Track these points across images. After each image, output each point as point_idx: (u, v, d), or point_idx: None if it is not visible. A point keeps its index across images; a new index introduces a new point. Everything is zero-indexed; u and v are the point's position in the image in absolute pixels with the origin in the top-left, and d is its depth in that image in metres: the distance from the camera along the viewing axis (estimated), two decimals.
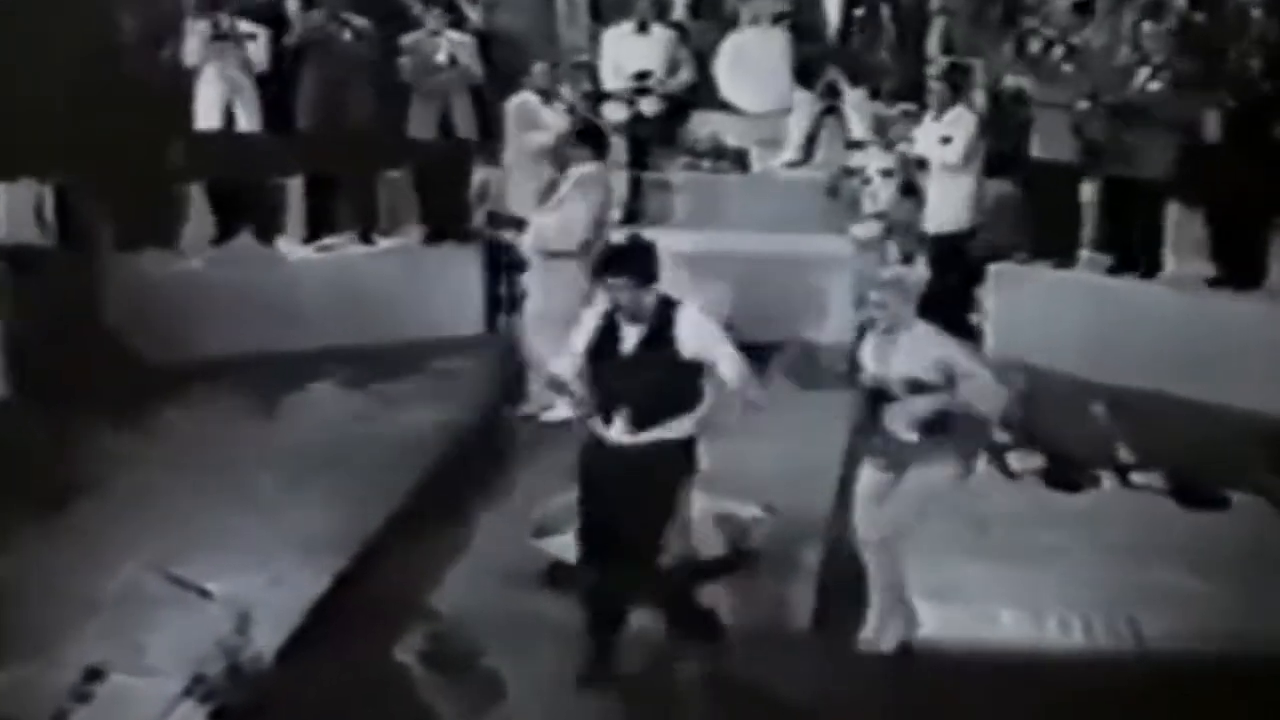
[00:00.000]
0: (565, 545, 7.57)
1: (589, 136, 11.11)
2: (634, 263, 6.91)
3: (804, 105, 13.52)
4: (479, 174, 13.29)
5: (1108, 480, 9.58)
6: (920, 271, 7.10)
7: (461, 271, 12.78)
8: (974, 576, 8.07)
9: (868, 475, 7.23)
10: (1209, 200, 11.53)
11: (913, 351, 6.90)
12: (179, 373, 10.91)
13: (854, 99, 13.27)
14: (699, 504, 7.59)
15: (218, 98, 12.61)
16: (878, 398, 7.09)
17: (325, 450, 9.81)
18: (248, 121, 12.70)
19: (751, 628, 7.60)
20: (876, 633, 7.31)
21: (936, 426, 6.94)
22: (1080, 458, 9.74)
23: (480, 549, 8.49)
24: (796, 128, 13.50)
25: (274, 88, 12.79)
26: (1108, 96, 11.69)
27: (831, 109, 13.51)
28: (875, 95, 13.42)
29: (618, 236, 9.23)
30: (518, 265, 11.35)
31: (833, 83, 13.38)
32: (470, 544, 8.57)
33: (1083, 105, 11.79)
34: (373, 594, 7.94)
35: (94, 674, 6.95)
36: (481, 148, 12.97)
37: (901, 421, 6.98)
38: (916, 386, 6.90)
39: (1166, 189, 11.60)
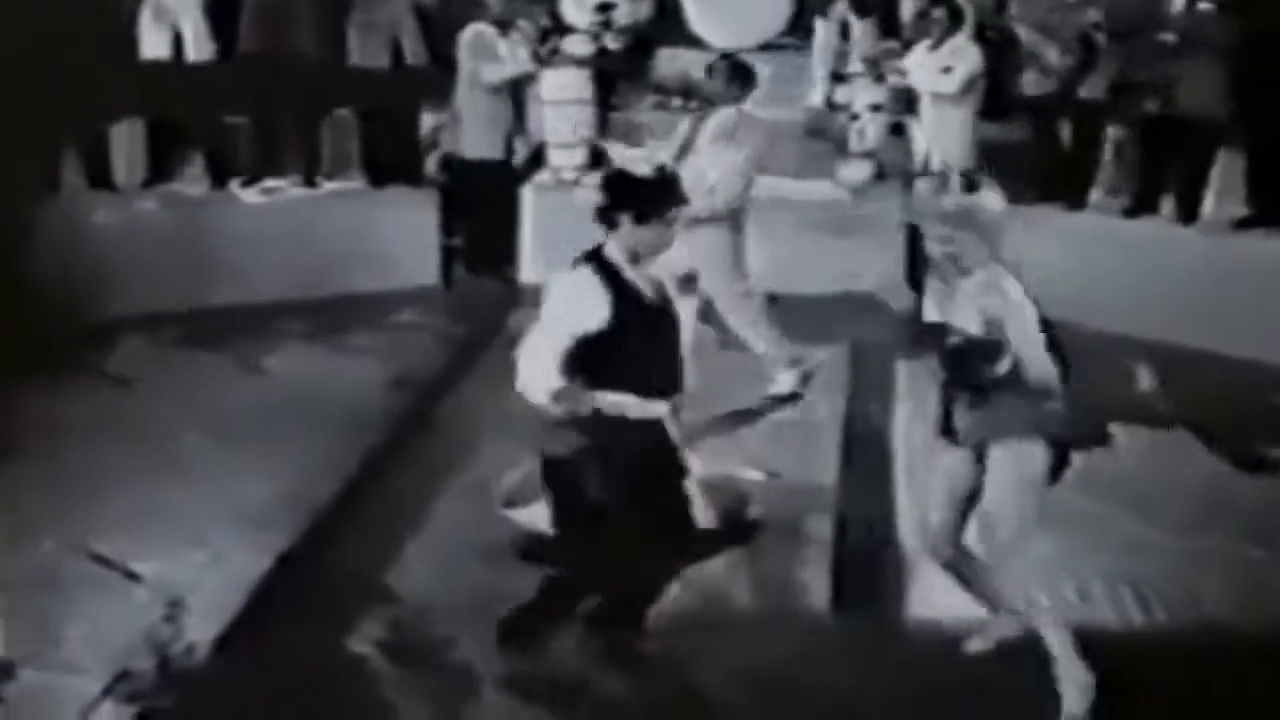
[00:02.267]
0: (541, 515, 6.63)
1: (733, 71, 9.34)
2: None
3: (826, 37, 12.51)
4: (430, 119, 12.35)
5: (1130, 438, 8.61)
6: (992, 200, 5.98)
7: (415, 217, 11.85)
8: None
9: (954, 458, 6.14)
10: (1253, 136, 10.69)
11: (971, 298, 5.83)
12: (110, 329, 10.09)
13: (859, 31, 12.34)
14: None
15: (164, 24, 11.56)
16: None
17: (269, 414, 8.87)
18: (196, 51, 11.64)
19: (763, 610, 6.72)
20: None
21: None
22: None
23: (446, 522, 7.54)
24: (821, 63, 12.49)
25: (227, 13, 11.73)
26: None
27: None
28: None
29: None
30: None
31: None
32: (434, 516, 7.62)
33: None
34: (323, 574, 7.02)
35: (1, 670, 6.02)
36: (433, 81, 11.93)
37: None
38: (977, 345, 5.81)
39: (1216, 128, 10.76)
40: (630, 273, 5.88)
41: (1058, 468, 5.92)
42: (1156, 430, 8.75)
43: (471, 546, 7.04)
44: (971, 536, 6.10)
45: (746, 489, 7.37)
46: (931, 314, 5.98)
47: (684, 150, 8.90)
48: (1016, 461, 5.86)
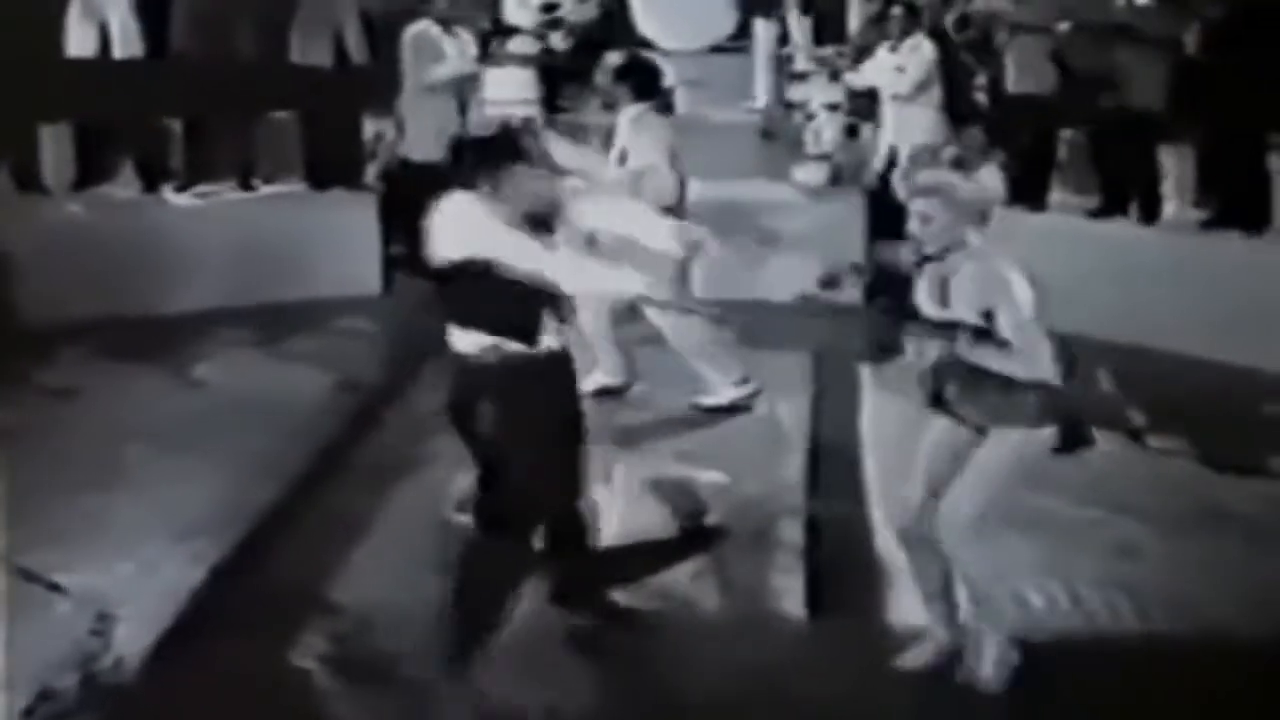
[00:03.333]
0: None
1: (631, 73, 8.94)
2: None
3: (766, 38, 12.17)
4: (373, 126, 11.94)
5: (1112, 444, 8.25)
6: (988, 182, 5.55)
7: (356, 222, 11.45)
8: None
9: (941, 428, 5.73)
10: (1200, 128, 10.39)
11: (969, 286, 5.42)
12: (41, 337, 9.65)
13: (798, 31, 12.03)
14: (637, 469, 6.69)
15: (91, 20, 11.10)
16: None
17: (207, 422, 8.47)
18: (124, 48, 11.18)
19: (736, 618, 6.28)
20: (976, 661, 5.75)
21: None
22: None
23: (394, 529, 7.10)
24: (762, 65, 12.15)
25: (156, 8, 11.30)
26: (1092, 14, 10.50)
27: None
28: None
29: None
30: None
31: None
32: (381, 523, 7.17)
33: (1063, 26, 10.57)
34: (262, 584, 6.55)
35: None
36: (376, 80, 11.51)
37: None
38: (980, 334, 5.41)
39: (1161, 120, 10.44)
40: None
41: (1070, 446, 5.59)
42: (1129, 434, 8.45)
43: (421, 554, 6.62)
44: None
45: (704, 493, 7.00)
46: (925, 303, 5.57)
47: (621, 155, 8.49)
48: (1001, 448, 5.50)
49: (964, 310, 5.39)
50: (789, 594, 6.40)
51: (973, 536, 5.59)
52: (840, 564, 6.70)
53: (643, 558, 6.50)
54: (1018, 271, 5.39)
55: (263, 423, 8.37)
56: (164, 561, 6.63)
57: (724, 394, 8.52)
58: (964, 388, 5.52)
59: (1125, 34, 10.39)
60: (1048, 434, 5.52)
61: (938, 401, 5.64)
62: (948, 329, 5.42)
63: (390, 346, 10.20)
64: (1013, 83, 11.16)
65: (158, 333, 10.00)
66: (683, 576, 6.45)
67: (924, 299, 5.56)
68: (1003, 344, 5.32)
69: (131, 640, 5.94)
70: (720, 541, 6.70)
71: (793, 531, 6.93)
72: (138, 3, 11.16)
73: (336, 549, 6.83)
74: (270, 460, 7.80)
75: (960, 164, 5.58)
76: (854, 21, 12.50)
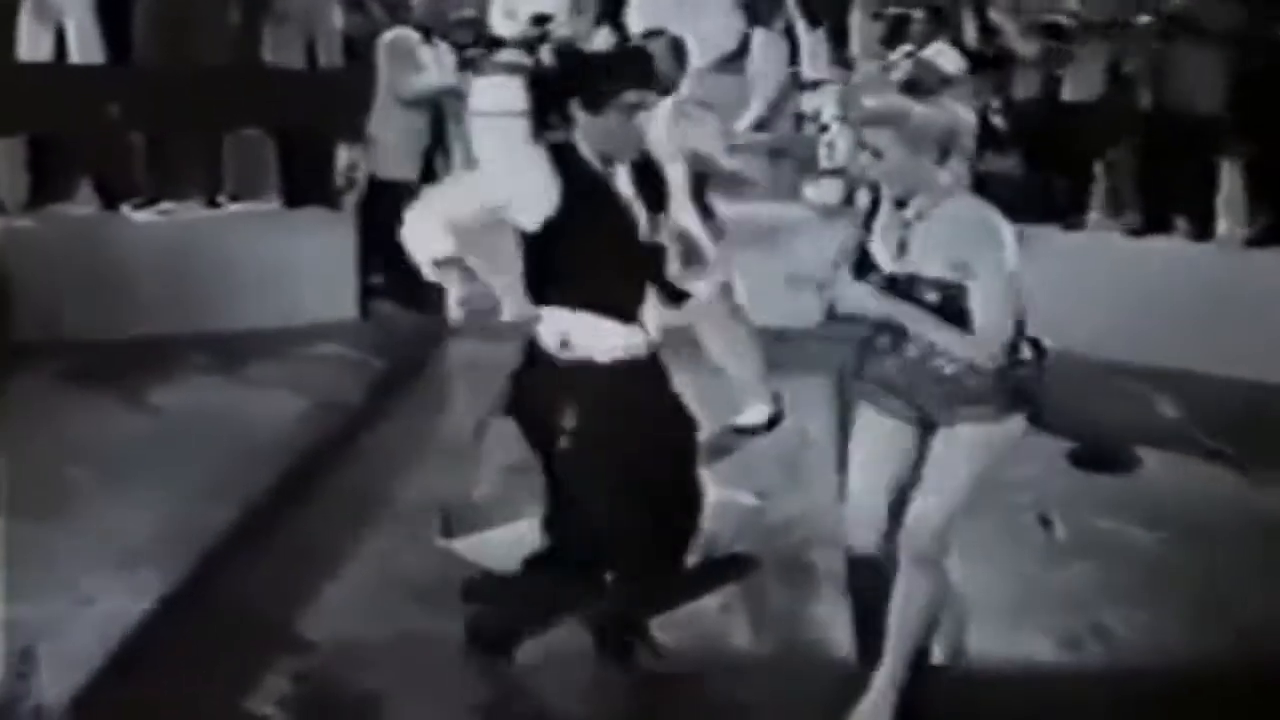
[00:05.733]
0: (490, 545, 5.38)
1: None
2: None
3: (769, 49, 11.33)
4: (346, 153, 11.12)
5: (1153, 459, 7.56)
6: (954, 111, 4.67)
7: (330, 242, 10.59)
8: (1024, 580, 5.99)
9: (880, 429, 4.85)
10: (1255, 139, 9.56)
11: (942, 233, 4.55)
12: None
13: (810, 42, 11.22)
14: None
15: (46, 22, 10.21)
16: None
17: (159, 443, 7.62)
18: (83, 53, 10.28)
19: (774, 657, 5.38)
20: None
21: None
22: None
23: (369, 557, 6.23)
24: (762, 79, 11.34)
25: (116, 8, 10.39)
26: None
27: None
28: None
29: None
30: None
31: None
32: (355, 551, 6.29)
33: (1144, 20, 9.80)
34: (217, 619, 5.63)
35: None
36: (352, 88, 10.66)
37: None
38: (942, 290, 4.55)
39: (1220, 127, 9.61)
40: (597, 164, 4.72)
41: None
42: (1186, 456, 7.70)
43: (399, 584, 5.73)
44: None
45: (736, 515, 6.11)
46: (881, 256, 4.67)
47: None
48: (961, 442, 4.66)
49: (929, 263, 4.53)
50: (833, 629, 5.53)
51: (940, 552, 4.76)
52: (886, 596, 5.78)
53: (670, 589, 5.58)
54: (1000, 218, 4.54)
55: (224, 448, 7.47)
56: (103, 594, 5.73)
57: (760, 414, 7.74)
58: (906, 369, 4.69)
59: (1184, 30, 9.60)
60: (1017, 423, 4.68)
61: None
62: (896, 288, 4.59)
63: (367, 372, 9.25)
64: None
65: (111, 358, 9.09)
66: (710, 608, 5.53)
67: (879, 248, 4.68)
68: (961, 312, 4.49)
69: (57, 682, 4.99)
70: (752, 570, 5.77)
71: (832, 559, 6.00)
72: (96, 2, 10.24)
73: (306, 580, 5.98)
74: (231, 487, 6.89)
75: (914, 88, 4.68)
76: (856, 32, 11.72)
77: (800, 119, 10.90)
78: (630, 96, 4.66)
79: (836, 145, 10.50)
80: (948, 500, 4.67)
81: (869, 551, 4.87)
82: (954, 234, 4.51)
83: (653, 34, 8.01)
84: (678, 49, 7.89)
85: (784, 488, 6.89)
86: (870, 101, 4.69)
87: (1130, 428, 8.05)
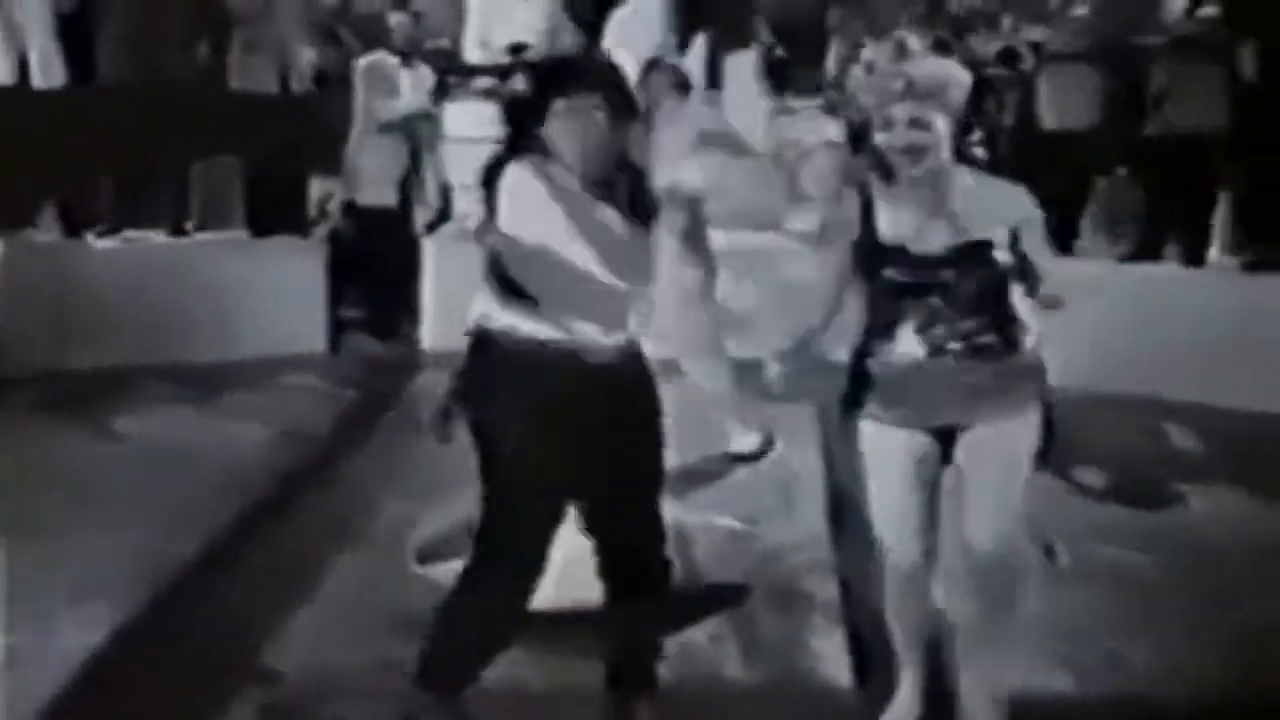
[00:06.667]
0: None
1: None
2: None
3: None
4: (319, 186, 10.84)
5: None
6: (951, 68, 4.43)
7: (300, 272, 10.33)
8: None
9: (893, 441, 4.52)
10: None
11: (985, 199, 4.31)
12: None
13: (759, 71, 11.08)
14: None
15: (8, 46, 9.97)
16: (905, 293, 4.41)
17: (121, 471, 7.38)
18: (45, 77, 10.03)
19: (768, 688, 5.09)
20: None
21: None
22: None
23: (341, 585, 5.93)
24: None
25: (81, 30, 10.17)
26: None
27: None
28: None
29: None
30: None
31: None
32: (326, 579, 6.00)
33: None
34: (179, 651, 5.33)
35: None
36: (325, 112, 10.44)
37: None
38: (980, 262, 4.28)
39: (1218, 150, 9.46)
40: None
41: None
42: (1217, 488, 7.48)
43: (370, 613, 5.45)
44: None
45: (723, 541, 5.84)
46: (908, 234, 4.37)
47: None
48: (1003, 444, 4.41)
49: (985, 228, 4.27)
50: (830, 659, 5.24)
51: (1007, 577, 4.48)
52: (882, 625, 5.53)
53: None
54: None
55: (191, 478, 7.22)
56: (65, 624, 5.44)
57: (749, 441, 7.55)
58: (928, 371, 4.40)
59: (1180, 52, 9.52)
60: (1036, 416, 4.43)
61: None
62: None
63: (338, 403, 9.01)
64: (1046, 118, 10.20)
65: (72, 388, 8.85)
66: (700, 638, 5.24)
67: (899, 224, 4.38)
68: (1030, 277, 4.26)
69: (21, 712, 4.72)
70: (743, 599, 5.49)
71: (826, 587, 5.74)
72: (60, 26, 9.98)
73: (275, 609, 5.66)
74: (198, 517, 6.63)
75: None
76: (833, 59, 11.50)
77: (781, 144, 10.63)
78: (596, 101, 4.31)
79: (822, 171, 10.26)
80: (995, 514, 4.42)
81: (914, 563, 4.58)
82: (982, 196, 4.31)
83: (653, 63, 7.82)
84: (679, 78, 7.75)
85: (772, 515, 6.62)
86: (919, 71, 4.45)
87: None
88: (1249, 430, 8.38)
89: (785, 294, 8.38)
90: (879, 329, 4.44)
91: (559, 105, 4.28)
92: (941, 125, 4.26)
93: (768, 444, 7.59)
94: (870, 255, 4.39)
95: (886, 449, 4.48)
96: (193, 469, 7.38)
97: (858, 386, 4.52)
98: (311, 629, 5.52)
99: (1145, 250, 9.78)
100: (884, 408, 4.47)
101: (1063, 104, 10.13)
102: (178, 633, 5.50)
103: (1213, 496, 7.32)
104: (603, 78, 4.46)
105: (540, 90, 4.45)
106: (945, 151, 4.28)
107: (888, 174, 4.33)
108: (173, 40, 10.21)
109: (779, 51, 11.40)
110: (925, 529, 4.52)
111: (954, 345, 4.31)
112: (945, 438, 4.45)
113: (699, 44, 10.70)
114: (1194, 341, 8.82)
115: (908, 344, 4.39)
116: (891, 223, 4.36)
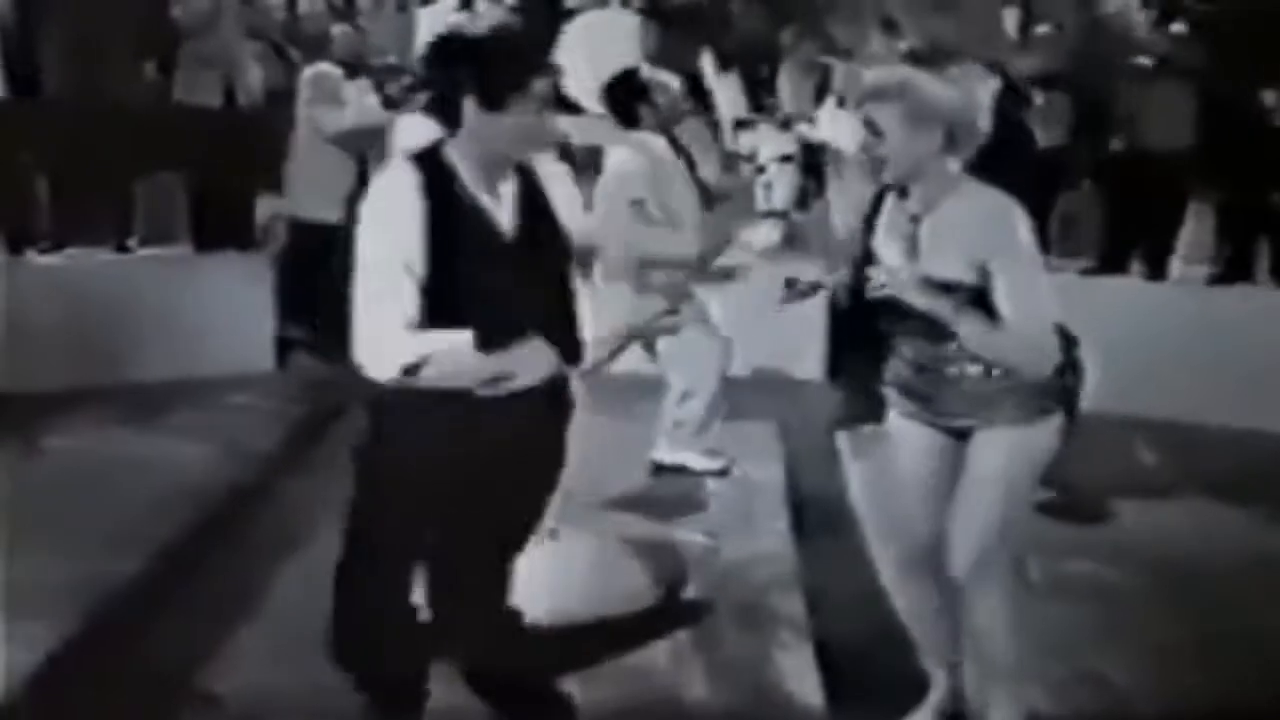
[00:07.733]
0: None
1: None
2: None
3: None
4: (265, 204, 10.63)
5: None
6: (967, 89, 4.24)
7: (245, 289, 10.07)
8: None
9: (917, 438, 4.41)
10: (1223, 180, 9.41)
11: (959, 229, 4.09)
12: None
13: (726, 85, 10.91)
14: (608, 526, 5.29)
15: None
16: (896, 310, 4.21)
17: (52, 490, 7.16)
18: None
19: (734, 710, 4.86)
20: None
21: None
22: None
23: (283, 606, 5.70)
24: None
25: (17, 41, 9.84)
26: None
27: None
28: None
29: None
30: None
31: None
32: (269, 599, 5.80)
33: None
34: (114, 675, 5.10)
35: None
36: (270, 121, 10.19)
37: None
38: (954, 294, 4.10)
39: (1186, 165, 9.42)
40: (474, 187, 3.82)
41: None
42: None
43: (315, 633, 5.17)
44: None
45: (686, 555, 5.60)
46: (890, 257, 4.22)
47: None
48: (1000, 451, 4.22)
49: (944, 263, 4.07)
50: (799, 678, 5.02)
51: (993, 576, 4.32)
52: (849, 642, 5.31)
53: (602, 636, 5.05)
54: (1015, 204, 4.10)
55: (129, 498, 7.02)
56: None
57: (698, 461, 7.43)
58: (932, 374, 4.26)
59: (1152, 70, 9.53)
60: (1057, 424, 4.25)
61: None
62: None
63: (283, 421, 8.78)
64: None
65: (12, 407, 8.49)
66: (660, 658, 5.02)
67: (886, 248, 4.24)
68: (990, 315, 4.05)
69: None
70: (703, 616, 5.27)
71: (791, 604, 5.54)
72: (1, 39, 9.71)
73: (214, 631, 5.45)
74: (136, 538, 6.43)
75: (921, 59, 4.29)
76: (786, 81, 11.33)
77: (731, 159, 10.44)
78: (538, 86, 3.80)
79: (775, 188, 10.07)
80: (980, 521, 4.25)
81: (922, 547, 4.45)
82: (968, 230, 4.08)
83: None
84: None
85: (733, 530, 6.42)
86: (872, 75, 4.27)
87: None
88: (1208, 442, 8.39)
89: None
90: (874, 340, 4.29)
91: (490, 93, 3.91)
92: (898, 134, 4.06)
93: (723, 469, 7.46)
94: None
95: (909, 437, 4.40)
96: (132, 488, 7.18)
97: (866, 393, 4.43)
98: (252, 650, 5.31)
99: (1108, 263, 9.60)
100: (900, 400, 4.37)
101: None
102: (116, 655, 5.30)
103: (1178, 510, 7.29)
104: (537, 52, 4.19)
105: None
106: (913, 166, 4.09)
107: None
108: (117, 54, 9.88)
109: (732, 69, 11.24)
110: (936, 514, 4.37)
111: (936, 366, 4.15)
112: (960, 437, 4.31)
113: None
114: (1159, 356, 8.70)
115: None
116: (882, 233, 4.26)
